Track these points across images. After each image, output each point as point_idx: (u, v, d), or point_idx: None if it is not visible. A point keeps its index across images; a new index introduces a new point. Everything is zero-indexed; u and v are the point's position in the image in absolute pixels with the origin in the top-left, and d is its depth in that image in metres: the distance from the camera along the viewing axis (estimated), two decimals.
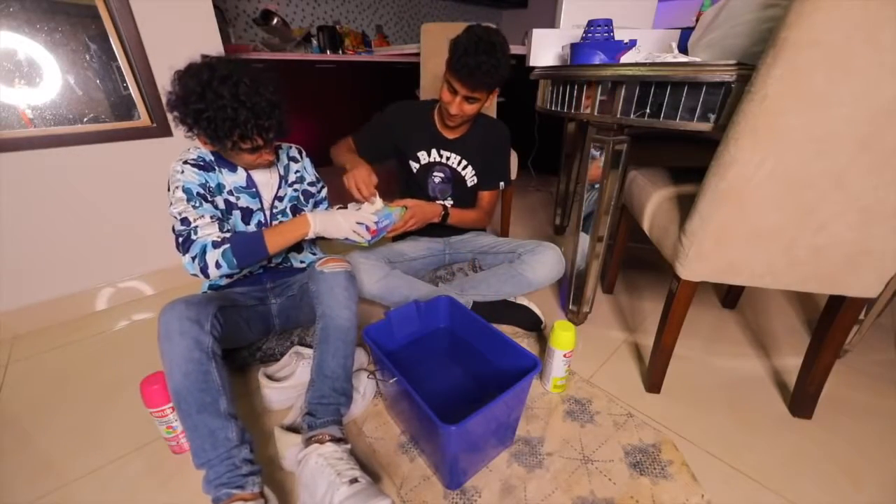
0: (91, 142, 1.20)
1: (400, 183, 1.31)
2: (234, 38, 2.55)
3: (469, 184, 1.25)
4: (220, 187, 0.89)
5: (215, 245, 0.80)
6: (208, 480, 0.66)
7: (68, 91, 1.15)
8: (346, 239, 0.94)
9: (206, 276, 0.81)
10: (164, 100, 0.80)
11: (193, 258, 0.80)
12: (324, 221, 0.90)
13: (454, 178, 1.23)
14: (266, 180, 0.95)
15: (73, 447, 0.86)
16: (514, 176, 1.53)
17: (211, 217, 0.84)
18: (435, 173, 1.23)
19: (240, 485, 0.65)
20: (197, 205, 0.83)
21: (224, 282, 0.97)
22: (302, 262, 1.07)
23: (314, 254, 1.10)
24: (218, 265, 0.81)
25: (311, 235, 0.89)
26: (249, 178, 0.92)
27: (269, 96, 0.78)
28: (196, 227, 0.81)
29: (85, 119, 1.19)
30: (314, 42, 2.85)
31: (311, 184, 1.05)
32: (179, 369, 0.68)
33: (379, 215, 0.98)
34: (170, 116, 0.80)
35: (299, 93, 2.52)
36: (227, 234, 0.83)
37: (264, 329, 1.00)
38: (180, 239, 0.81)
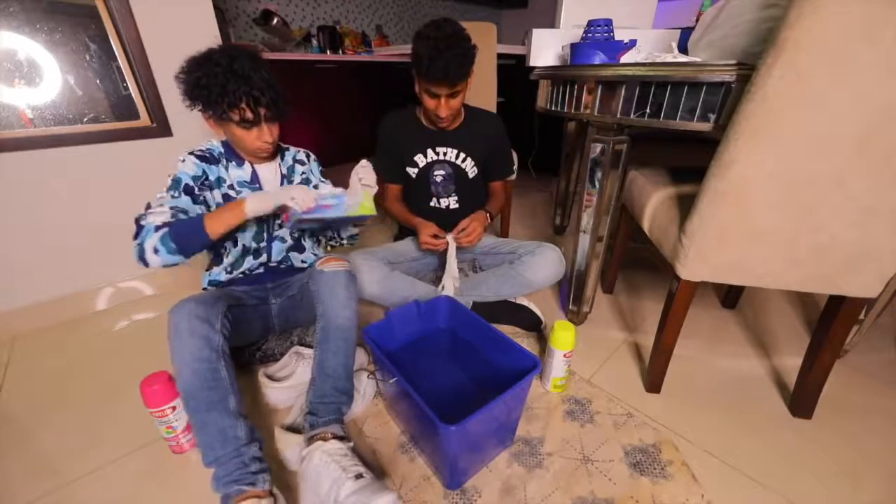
0: (91, 142, 1.21)
1: (404, 193, 1.31)
2: (234, 38, 2.55)
3: (471, 175, 1.24)
4: (219, 181, 0.90)
5: (156, 228, 0.78)
6: (217, 478, 0.66)
7: (68, 91, 1.15)
8: (292, 217, 0.84)
9: (144, 262, 0.78)
10: (177, 88, 0.83)
11: (138, 244, 0.78)
12: (259, 199, 0.84)
13: (455, 172, 1.23)
14: (271, 177, 0.97)
15: (73, 447, 0.86)
16: (514, 168, 1.52)
17: (174, 208, 0.82)
18: (436, 172, 1.23)
19: (251, 482, 0.66)
20: (175, 195, 0.84)
21: (224, 278, 0.97)
22: (303, 261, 1.07)
23: (315, 254, 1.10)
24: (156, 250, 0.77)
25: (248, 214, 0.82)
26: (255, 173, 0.94)
27: (267, 75, 0.82)
28: (149, 212, 0.80)
29: (85, 119, 1.19)
30: (314, 42, 2.85)
31: (316, 187, 1.05)
32: (189, 367, 0.68)
33: (327, 197, 0.86)
34: (185, 101, 0.83)
35: (299, 93, 2.51)
36: (173, 220, 0.80)
37: (264, 329, 1.00)
38: (136, 224, 0.79)
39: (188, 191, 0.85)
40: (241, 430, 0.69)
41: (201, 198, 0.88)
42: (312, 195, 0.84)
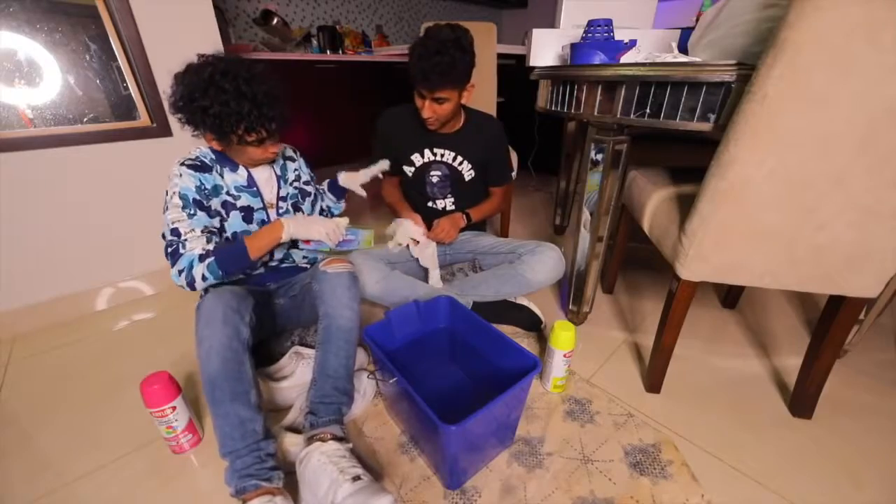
0: (91, 142, 1.21)
1: (401, 188, 1.31)
2: (234, 38, 2.55)
3: (467, 178, 1.24)
4: (216, 189, 0.88)
5: (201, 258, 0.80)
6: (235, 470, 0.67)
7: (68, 91, 1.15)
8: (315, 242, 0.94)
9: (193, 288, 0.81)
10: (166, 103, 0.81)
11: (181, 272, 0.80)
12: (296, 224, 0.89)
13: (451, 174, 1.23)
14: (267, 179, 0.96)
15: (73, 447, 0.86)
16: (514, 170, 1.51)
17: (202, 229, 0.83)
18: (432, 172, 1.23)
19: (267, 478, 0.67)
20: (192, 213, 0.82)
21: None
22: (304, 257, 1.07)
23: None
24: (204, 277, 0.80)
25: (284, 238, 0.88)
26: (250, 176, 0.92)
27: (268, 88, 0.80)
28: (185, 240, 0.80)
29: (85, 119, 1.19)
30: (314, 42, 2.85)
31: (307, 182, 1.06)
32: (219, 355, 0.69)
33: (348, 230, 0.99)
34: (174, 118, 0.80)
35: (299, 93, 2.51)
36: (211, 247, 0.82)
37: (265, 329, 1.00)
38: (169, 249, 0.81)
39: (198, 205, 0.84)
40: (259, 426, 0.71)
41: (211, 209, 0.87)
42: (342, 231, 0.94)
